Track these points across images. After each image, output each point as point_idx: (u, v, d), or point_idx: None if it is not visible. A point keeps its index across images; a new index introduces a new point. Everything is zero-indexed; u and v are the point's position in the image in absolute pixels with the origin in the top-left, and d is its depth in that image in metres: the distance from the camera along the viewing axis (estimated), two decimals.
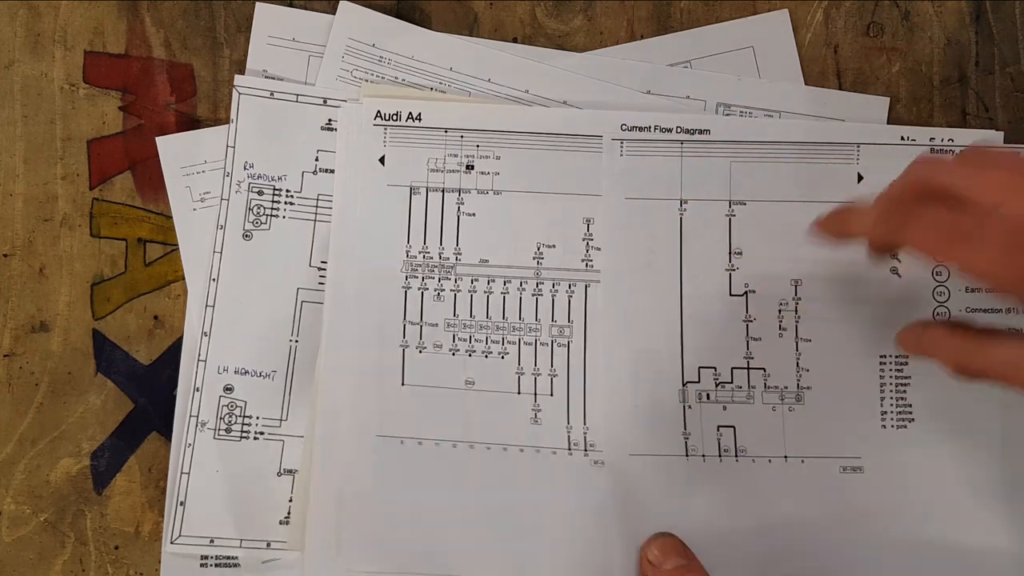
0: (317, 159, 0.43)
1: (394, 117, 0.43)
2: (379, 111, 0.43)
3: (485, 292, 0.42)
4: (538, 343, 0.42)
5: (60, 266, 0.43)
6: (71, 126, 0.43)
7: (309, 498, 0.40)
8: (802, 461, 0.41)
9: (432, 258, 0.42)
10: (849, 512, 0.41)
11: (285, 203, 0.43)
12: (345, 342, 0.41)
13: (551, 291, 0.42)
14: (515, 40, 0.44)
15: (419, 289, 0.42)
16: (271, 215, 0.43)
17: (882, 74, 0.44)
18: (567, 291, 0.42)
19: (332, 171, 0.43)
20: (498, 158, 0.42)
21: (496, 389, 0.41)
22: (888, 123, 0.44)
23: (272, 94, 0.43)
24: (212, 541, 0.41)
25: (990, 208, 0.31)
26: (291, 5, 0.44)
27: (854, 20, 0.45)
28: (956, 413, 0.41)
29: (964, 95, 0.44)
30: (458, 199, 0.42)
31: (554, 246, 0.42)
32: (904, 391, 0.42)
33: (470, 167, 0.42)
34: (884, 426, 0.41)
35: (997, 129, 0.44)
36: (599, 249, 0.42)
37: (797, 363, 0.42)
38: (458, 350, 0.42)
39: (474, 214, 0.42)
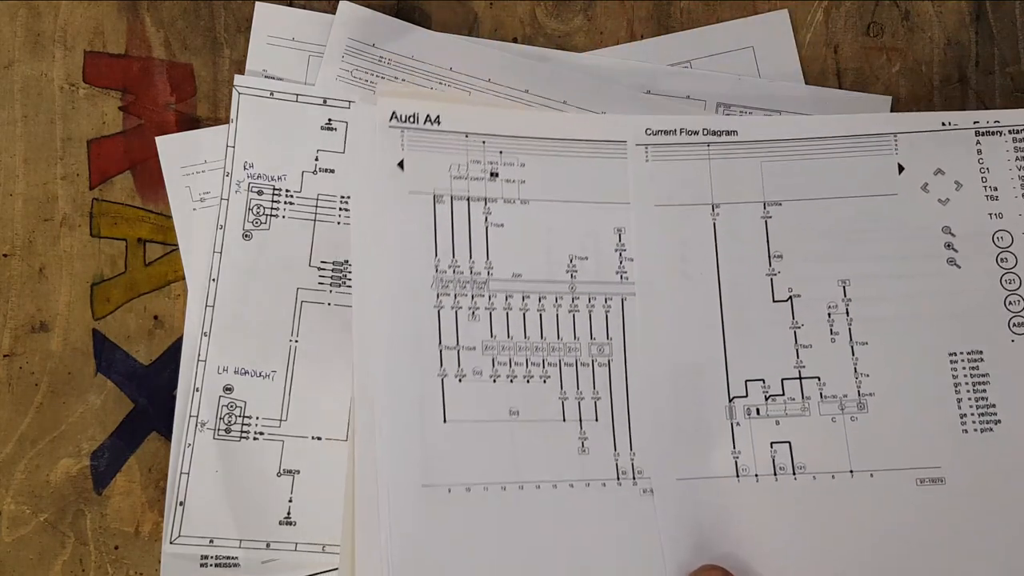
0: (317, 159, 0.43)
1: (411, 119, 0.40)
2: (395, 112, 0.40)
3: (521, 309, 0.39)
4: (579, 363, 0.39)
5: (60, 266, 0.43)
6: (71, 126, 0.43)
7: (355, 564, 0.37)
8: (871, 475, 0.38)
9: (463, 273, 0.39)
10: (931, 528, 0.38)
11: (285, 203, 0.43)
12: (379, 378, 0.38)
13: (587, 307, 0.40)
14: (515, 40, 0.44)
15: (452, 308, 0.39)
16: (271, 215, 0.43)
17: (882, 74, 0.44)
18: (603, 306, 0.40)
19: (332, 171, 0.43)
20: (522, 165, 0.40)
21: (542, 418, 0.39)
22: None
23: (272, 94, 0.43)
24: (212, 541, 0.41)
25: None
26: (291, 5, 0.44)
27: (854, 20, 0.45)
28: None
29: (964, 95, 0.44)
30: (484, 208, 0.40)
31: (587, 258, 0.40)
32: (984, 390, 0.39)
33: (494, 174, 0.40)
34: (965, 430, 0.38)
35: None
36: (632, 260, 0.40)
37: (855, 369, 0.39)
38: (499, 376, 0.39)
39: (502, 225, 0.40)
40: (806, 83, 0.44)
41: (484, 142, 0.40)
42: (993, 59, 0.44)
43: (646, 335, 0.40)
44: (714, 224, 0.41)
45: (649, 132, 0.41)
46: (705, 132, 0.41)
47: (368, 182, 0.40)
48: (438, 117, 0.40)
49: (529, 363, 0.39)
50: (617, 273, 0.40)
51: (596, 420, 0.39)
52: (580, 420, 0.39)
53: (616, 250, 0.40)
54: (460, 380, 0.39)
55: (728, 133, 0.41)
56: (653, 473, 0.39)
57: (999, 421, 0.39)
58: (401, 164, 0.40)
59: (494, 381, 0.39)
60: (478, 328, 0.39)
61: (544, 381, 0.39)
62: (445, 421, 0.38)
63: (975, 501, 0.38)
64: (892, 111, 0.44)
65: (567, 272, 0.40)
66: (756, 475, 0.39)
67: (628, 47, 0.44)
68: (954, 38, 0.44)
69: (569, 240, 0.40)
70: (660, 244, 0.40)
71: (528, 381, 0.39)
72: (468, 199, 0.40)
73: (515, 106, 0.42)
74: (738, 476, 0.39)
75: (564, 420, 0.39)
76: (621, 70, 0.44)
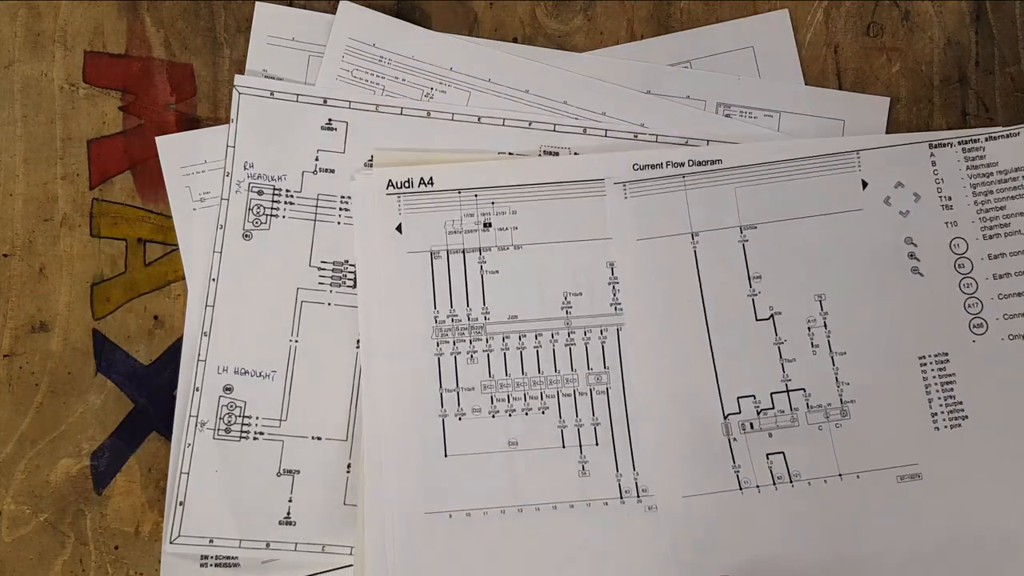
0: (317, 159, 0.43)
1: (406, 184, 0.43)
2: (390, 180, 0.43)
3: (518, 348, 0.42)
4: (577, 393, 0.41)
5: (60, 266, 0.43)
6: (71, 126, 0.43)
7: None
8: (857, 476, 0.40)
9: (461, 320, 0.42)
10: (914, 521, 0.40)
11: (285, 203, 0.43)
12: (386, 422, 0.41)
13: (583, 339, 0.42)
14: (515, 40, 0.44)
15: (451, 354, 0.42)
16: (271, 215, 0.43)
17: (882, 74, 0.44)
18: (599, 337, 0.42)
19: (332, 171, 0.43)
20: (514, 212, 0.43)
21: (540, 446, 0.41)
22: (888, 123, 0.44)
23: (272, 94, 0.43)
24: (212, 541, 0.41)
25: None
26: (291, 5, 0.44)
27: (854, 20, 0.45)
28: (1011, 403, 0.41)
29: (964, 95, 0.44)
30: (479, 258, 0.42)
31: (580, 294, 0.42)
32: (951, 389, 0.41)
33: (488, 225, 0.42)
34: (937, 428, 0.41)
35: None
36: (624, 292, 0.42)
37: (836, 378, 0.41)
38: (498, 411, 0.41)
39: (497, 271, 0.42)
40: (806, 83, 0.44)
41: (476, 196, 0.43)
42: (993, 59, 0.44)
43: (641, 362, 0.42)
44: (695, 251, 0.42)
45: (637, 167, 0.43)
46: (690, 163, 0.43)
47: (370, 246, 0.42)
48: (431, 179, 0.43)
49: (527, 397, 0.42)
50: (611, 305, 0.42)
51: (596, 444, 0.41)
52: (580, 445, 0.41)
53: (609, 283, 0.42)
54: (460, 419, 0.41)
55: (713, 163, 0.43)
56: (658, 491, 0.40)
57: (966, 417, 0.41)
58: (399, 228, 0.42)
59: (493, 416, 0.41)
60: (477, 370, 0.42)
61: (543, 412, 0.41)
62: (446, 456, 0.41)
63: (950, 493, 0.40)
64: (891, 112, 0.44)
65: (562, 308, 0.42)
66: (757, 486, 0.41)
67: (628, 47, 0.44)
68: (954, 38, 0.44)
69: (562, 278, 0.42)
70: (645, 275, 0.42)
71: (527, 414, 0.41)
72: (463, 251, 0.42)
73: (501, 158, 0.43)
74: (741, 489, 0.41)
75: (564, 447, 0.41)
76: (621, 70, 0.44)
